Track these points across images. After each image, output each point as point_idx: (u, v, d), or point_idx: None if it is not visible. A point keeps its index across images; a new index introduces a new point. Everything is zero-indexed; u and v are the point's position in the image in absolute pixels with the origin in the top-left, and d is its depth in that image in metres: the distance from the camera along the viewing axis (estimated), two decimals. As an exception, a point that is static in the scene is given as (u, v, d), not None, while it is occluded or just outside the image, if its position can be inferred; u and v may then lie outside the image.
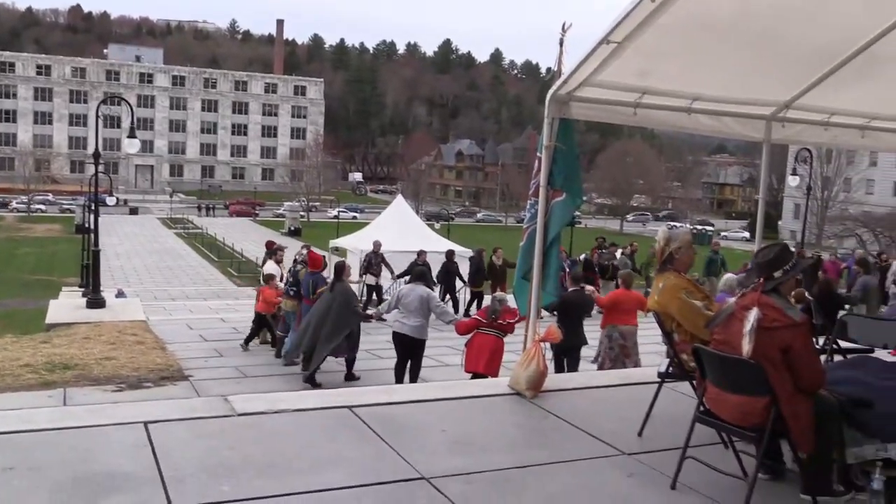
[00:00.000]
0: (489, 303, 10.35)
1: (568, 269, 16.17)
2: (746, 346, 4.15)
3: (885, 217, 56.47)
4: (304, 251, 13.90)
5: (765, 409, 4.17)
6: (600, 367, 10.61)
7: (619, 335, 10.63)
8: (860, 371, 4.84)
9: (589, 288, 11.65)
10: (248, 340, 13.93)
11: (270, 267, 14.30)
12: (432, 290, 12.10)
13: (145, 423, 5.18)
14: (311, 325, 11.26)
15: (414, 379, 10.81)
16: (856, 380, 4.64)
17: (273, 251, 15.01)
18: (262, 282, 14.51)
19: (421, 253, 19.76)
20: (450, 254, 20.89)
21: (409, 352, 10.82)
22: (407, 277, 14.85)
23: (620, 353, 10.57)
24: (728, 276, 10.58)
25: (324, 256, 13.40)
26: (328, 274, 12.68)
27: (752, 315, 4.17)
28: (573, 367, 10.59)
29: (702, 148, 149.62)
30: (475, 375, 9.44)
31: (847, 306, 13.42)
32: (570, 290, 10.85)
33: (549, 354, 9.40)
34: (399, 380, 10.76)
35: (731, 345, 4.30)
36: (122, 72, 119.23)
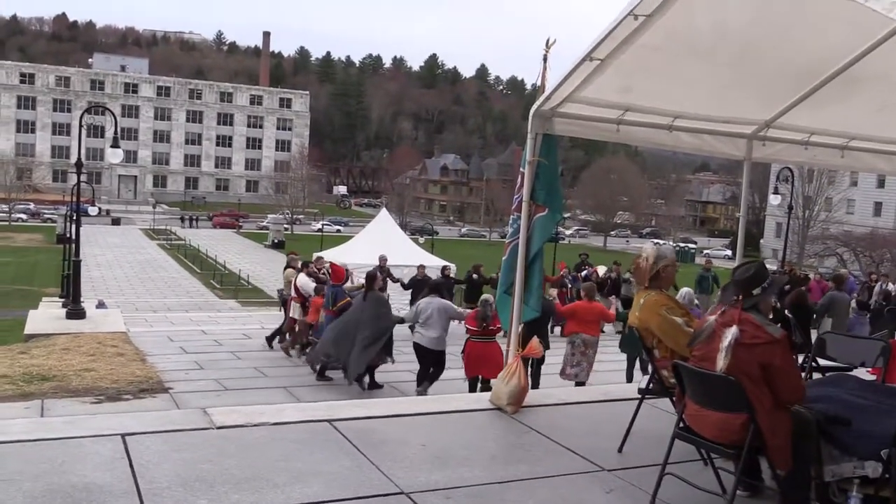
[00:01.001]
0: (479, 308, 10.67)
1: (570, 285, 16.25)
2: (721, 363, 4.18)
3: (865, 237, 57.03)
4: (327, 264, 14.44)
5: (743, 425, 4.19)
6: (562, 373, 11.31)
7: (581, 342, 11.41)
8: (838, 389, 4.88)
9: (552, 292, 12.12)
10: (298, 346, 14.26)
11: (305, 280, 14.30)
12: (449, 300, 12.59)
13: (123, 436, 5.13)
14: (343, 333, 11.47)
15: (430, 383, 11.38)
16: (833, 398, 4.67)
17: (305, 264, 15.03)
18: (291, 293, 14.62)
19: (420, 267, 20.10)
20: (445, 269, 21.02)
21: (430, 362, 11.37)
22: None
23: (582, 358, 11.32)
24: (684, 289, 10.93)
25: (345, 268, 13.77)
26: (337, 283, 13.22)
27: (731, 333, 4.20)
28: (537, 374, 11.06)
29: (685, 166, 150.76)
30: (475, 380, 10.26)
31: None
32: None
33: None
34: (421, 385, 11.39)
35: (712, 361, 4.32)
36: (106, 81, 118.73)
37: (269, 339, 15.40)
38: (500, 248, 7.60)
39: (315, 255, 15.98)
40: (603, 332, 15.91)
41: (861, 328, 14.18)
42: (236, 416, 5.79)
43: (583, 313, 11.59)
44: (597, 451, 5.57)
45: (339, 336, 11.53)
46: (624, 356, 12.60)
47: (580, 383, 11.32)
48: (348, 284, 13.68)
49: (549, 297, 11.75)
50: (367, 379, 11.70)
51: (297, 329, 14.60)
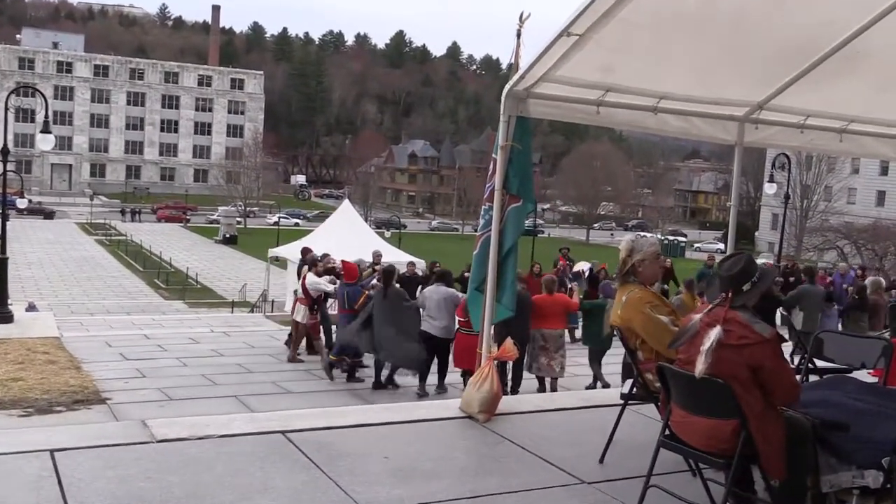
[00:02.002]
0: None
1: (570, 283, 16.35)
2: (700, 366, 4.19)
3: (868, 228, 57.83)
4: (339, 262, 14.54)
5: (734, 432, 4.21)
6: (528, 368, 12.13)
7: (541, 337, 12.07)
8: (836, 392, 4.91)
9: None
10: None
11: (315, 280, 14.17)
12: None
13: (51, 452, 5.05)
14: (370, 329, 12.06)
15: (442, 377, 12.19)
16: (831, 401, 4.71)
17: (313, 261, 14.84)
18: (297, 294, 14.70)
19: (410, 264, 20.33)
20: (432, 265, 21.18)
21: (436, 350, 12.07)
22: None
23: (542, 354, 12.04)
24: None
25: (358, 265, 13.80)
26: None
27: (713, 334, 4.21)
28: (519, 368, 11.83)
29: (674, 152, 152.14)
30: (466, 373, 10.90)
31: (781, 309, 14.08)
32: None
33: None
34: (423, 374, 12.10)
35: (696, 364, 4.34)
36: (36, 59, 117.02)
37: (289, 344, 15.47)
38: (472, 241, 7.60)
39: (321, 252, 16.10)
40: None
41: (829, 322, 14.52)
42: (179, 428, 5.72)
43: (543, 307, 12.12)
44: (576, 462, 5.58)
45: (361, 329, 12.22)
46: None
47: (540, 378, 12.22)
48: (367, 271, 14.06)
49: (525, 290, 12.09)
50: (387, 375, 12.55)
51: (301, 332, 14.60)
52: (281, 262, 36.45)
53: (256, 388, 12.33)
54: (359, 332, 12.26)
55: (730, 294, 4.39)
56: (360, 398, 11.79)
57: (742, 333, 4.24)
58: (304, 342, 14.90)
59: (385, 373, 12.62)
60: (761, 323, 4.33)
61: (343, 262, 14.02)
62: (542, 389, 12.18)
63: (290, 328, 15.63)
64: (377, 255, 17.78)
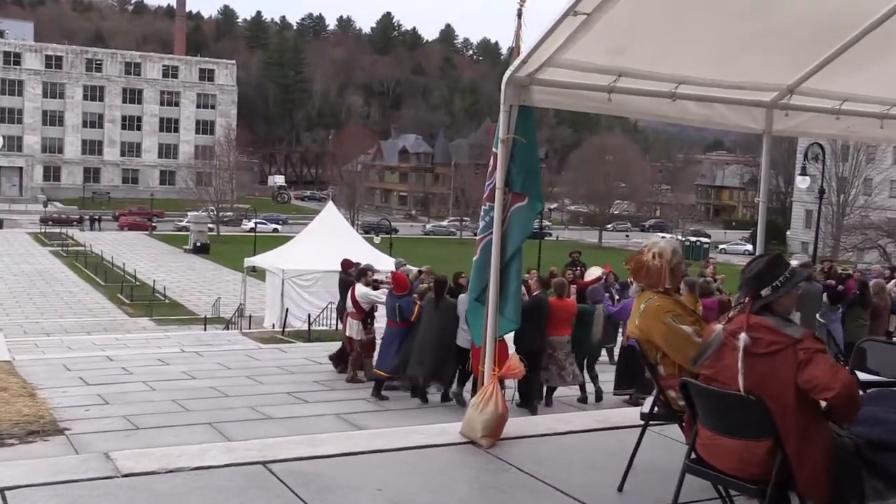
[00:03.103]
0: None
1: (617, 296, 16.34)
2: (742, 381, 4.17)
3: (912, 225, 57.91)
4: (386, 275, 15.07)
5: (768, 454, 4.19)
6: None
7: (547, 345, 12.43)
8: (882, 408, 4.89)
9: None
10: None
11: (365, 291, 14.31)
12: None
13: (2, 490, 5.03)
14: (429, 350, 12.60)
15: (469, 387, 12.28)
16: (876, 419, 4.68)
17: (362, 272, 14.94)
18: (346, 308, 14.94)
19: (426, 273, 20.45)
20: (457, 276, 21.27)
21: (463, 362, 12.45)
22: None
23: (549, 362, 12.45)
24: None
25: (406, 275, 14.17)
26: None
27: (741, 343, 4.20)
28: (537, 377, 12.24)
29: (695, 144, 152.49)
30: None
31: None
32: (536, 292, 12.59)
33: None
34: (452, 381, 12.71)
35: (721, 380, 4.32)
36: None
37: (335, 360, 15.71)
38: (472, 246, 7.59)
39: (362, 263, 16.45)
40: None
41: (833, 327, 14.64)
42: (147, 460, 5.70)
43: (554, 312, 12.47)
44: (592, 491, 5.55)
45: (420, 348, 12.79)
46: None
47: (551, 389, 12.74)
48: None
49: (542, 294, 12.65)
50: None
51: (355, 350, 14.73)
52: (258, 273, 36.50)
53: (233, 413, 12.29)
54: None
55: (751, 298, 4.38)
56: (350, 423, 11.76)
57: (772, 339, 4.22)
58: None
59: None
60: (792, 325, 4.30)
61: (392, 272, 14.50)
62: (548, 401, 12.70)
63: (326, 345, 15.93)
64: (400, 264, 17.82)
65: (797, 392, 4.20)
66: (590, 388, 13.33)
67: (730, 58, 6.83)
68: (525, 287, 13.27)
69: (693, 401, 4.55)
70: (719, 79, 7.06)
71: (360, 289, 14.50)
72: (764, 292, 4.35)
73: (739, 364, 4.18)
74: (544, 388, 12.77)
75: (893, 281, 18.25)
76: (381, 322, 14.69)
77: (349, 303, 14.67)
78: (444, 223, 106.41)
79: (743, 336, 4.20)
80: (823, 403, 4.24)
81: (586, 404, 12.97)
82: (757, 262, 4.52)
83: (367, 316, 14.56)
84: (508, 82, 6.43)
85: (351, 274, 15.64)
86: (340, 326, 16.73)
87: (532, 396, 12.28)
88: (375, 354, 14.49)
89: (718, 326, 4.49)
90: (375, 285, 14.93)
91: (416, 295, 13.61)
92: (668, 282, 5.62)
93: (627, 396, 12.84)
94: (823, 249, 57.07)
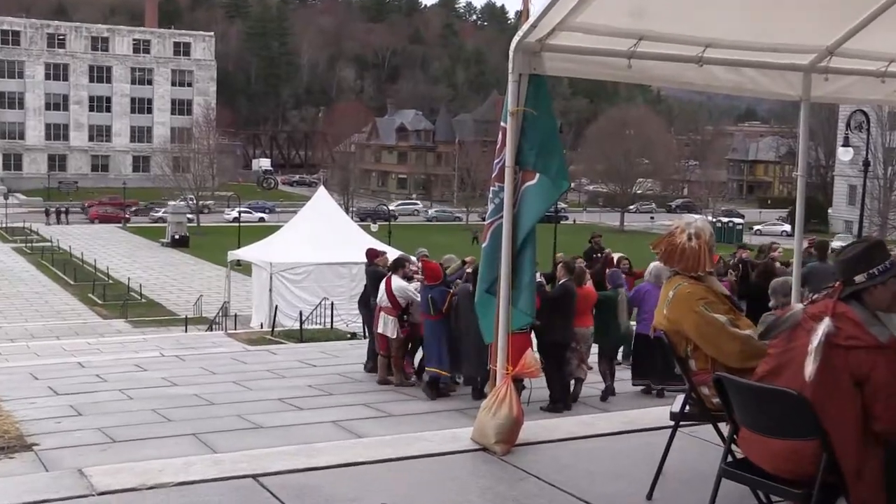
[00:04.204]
0: None
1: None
2: (810, 367, 4.15)
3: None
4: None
5: (815, 455, 4.19)
6: None
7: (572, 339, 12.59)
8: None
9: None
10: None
11: (403, 285, 14.39)
12: None
13: (-33, 512, 5.05)
14: (466, 343, 12.84)
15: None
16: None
17: (399, 263, 14.98)
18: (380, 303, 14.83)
19: (467, 262, 20.54)
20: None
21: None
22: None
23: (572, 356, 12.60)
24: (654, 264, 12.26)
25: (441, 264, 14.30)
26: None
27: (822, 327, 4.18)
28: (564, 372, 12.53)
29: (724, 114, 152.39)
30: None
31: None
32: (562, 280, 12.72)
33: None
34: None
35: (792, 367, 4.29)
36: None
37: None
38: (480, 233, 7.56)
39: (399, 254, 16.61)
40: None
41: None
42: (125, 476, 5.71)
43: (577, 302, 12.61)
44: (619, 500, 5.57)
45: (462, 346, 13.09)
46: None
47: (579, 380, 12.93)
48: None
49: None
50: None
51: (393, 350, 14.72)
52: (244, 268, 36.52)
53: (219, 423, 12.30)
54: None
55: (842, 283, 4.37)
56: (349, 431, 11.77)
57: (852, 333, 4.21)
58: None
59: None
60: (880, 325, 4.27)
61: (423, 261, 14.61)
62: (576, 394, 12.90)
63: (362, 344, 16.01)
64: (422, 255, 17.84)
65: (860, 396, 4.19)
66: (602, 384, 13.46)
67: (762, 16, 6.81)
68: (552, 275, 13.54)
69: (729, 398, 4.54)
70: (751, 40, 7.04)
71: (398, 281, 14.47)
72: (858, 278, 4.33)
73: (812, 349, 4.16)
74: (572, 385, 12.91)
75: None
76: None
77: (383, 297, 14.64)
78: (432, 211, 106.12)
79: (827, 321, 4.19)
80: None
81: (614, 395, 13.20)
82: (854, 246, 4.51)
83: (403, 311, 14.56)
84: (517, 49, 6.42)
85: (378, 265, 15.67)
86: (359, 324, 16.69)
87: (558, 397, 12.37)
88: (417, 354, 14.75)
89: (799, 306, 4.50)
90: (410, 279, 14.99)
91: (448, 282, 13.83)
92: (709, 265, 5.62)
93: (643, 387, 13.33)
94: (870, 228, 56.93)
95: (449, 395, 13.69)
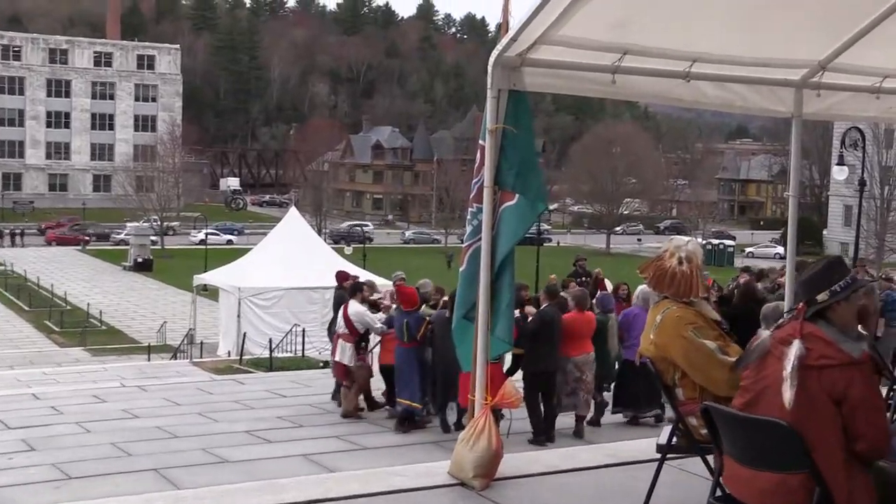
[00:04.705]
0: None
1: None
2: (787, 393, 4.18)
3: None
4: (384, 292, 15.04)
5: (805, 489, 4.20)
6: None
7: (573, 367, 12.24)
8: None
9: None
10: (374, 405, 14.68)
11: (360, 310, 14.28)
12: None
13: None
14: (445, 372, 12.59)
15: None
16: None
17: (357, 287, 14.91)
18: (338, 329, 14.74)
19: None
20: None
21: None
22: None
23: (578, 387, 12.28)
24: (642, 287, 12.01)
25: (417, 289, 14.09)
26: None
27: (793, 351, 4.22)
28: (550, 404, 12.17)
29: (715, 131, 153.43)
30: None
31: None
32: (543, 306, 12.40)
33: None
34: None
35: (768, 396, 4.31)
36: None
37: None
38: (458, 255, 7.57)
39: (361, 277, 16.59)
40: None
41: None
42: (81, 514, 5.67)
43: (575, 327, 12.29)
44: (603, 538, 5.55)
45: (441, 375, 12.88)
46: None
47: (580, 417, 12.50)
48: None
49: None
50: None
51: (361, 379, 14.61)
52: (211, 293, 36.34)
53: (183, 457, 12.23)
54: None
55: (804, 304, 4.40)
56: (320, 465, 11.73)
57: (824, 352, 4.24)
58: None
59: (453, 415, 13.05)
60: (850, 342, 4.32)
61: (398, 286, 14.49)
62: (579, 431, 12.49)
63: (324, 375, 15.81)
64: (399, 278, 17.84)
65: (840, 417, 4.22)
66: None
67: (751, 30, 6.86)
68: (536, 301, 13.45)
69: (717, 428, 4.55)
70: (740, 55, 7.09)
71: (355, 306, 14.41)
72: (820, 297, 4.38)
73: (787, 375, 4.19)
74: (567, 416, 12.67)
75: None
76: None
77: (340, 323, 14.61)
78: (409, 233, 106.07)
79: (797, 344, 4.22)
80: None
81: (599, 426, 13.00)
82: (813, 265, 4.58)
83: (361, 339, 14.47)
84: (496, 64, 6.45)
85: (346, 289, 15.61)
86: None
87: (541, 429, 12.13)
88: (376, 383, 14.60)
89: (765, 332, 4.52)
90: (376, 305, 14.93)
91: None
92: (701, 290, 5.64)
93: (628, 417, 13.18)
94: (866, 250, 57.28)
95: (424, 427, 13.52)
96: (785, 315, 4.71)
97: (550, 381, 12.10)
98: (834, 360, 4.23)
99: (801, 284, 4.52)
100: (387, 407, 14.56)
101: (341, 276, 16.64)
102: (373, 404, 14.86)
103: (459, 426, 12.73)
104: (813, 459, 4.16)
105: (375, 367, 14.92)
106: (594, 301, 14.21)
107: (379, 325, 14.34)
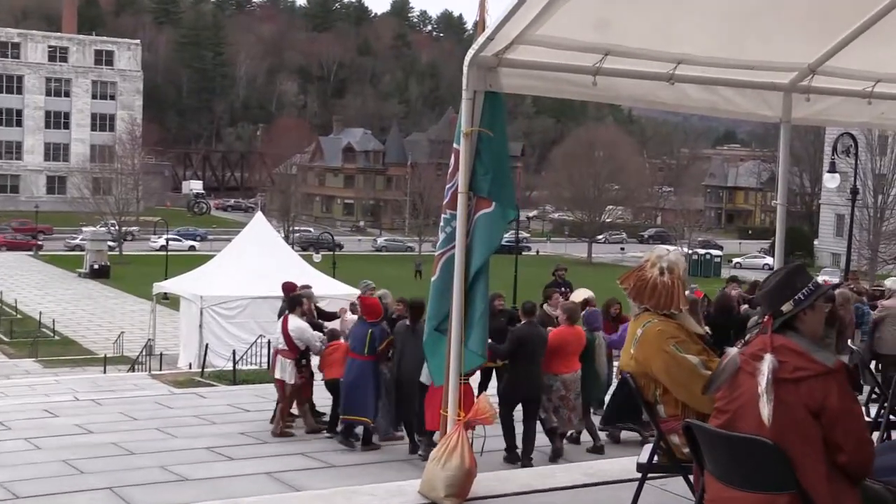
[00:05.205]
0: None
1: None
2: (765, 409, 4.20)
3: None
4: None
5: (791, 510, 4.23)
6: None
7: (560, 385, 12.08)
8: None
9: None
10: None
11: (300, 325, 14.15)
12: None
13: None
14: (407, 385, 12.61)
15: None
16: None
17: (296, 301, 14.73)
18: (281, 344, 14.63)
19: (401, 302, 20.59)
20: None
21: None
22: None
23: (562, 405, 12.12)
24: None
25: (380, 299, 14.10)
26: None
27: (766, 365, 4.24)
28: (531, 428, 11.90)
29: (701, 136, 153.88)
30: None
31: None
32: (522, 322, 12.28)
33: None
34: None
35: (743, 416, 4.34)
36: None
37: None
38: (432, 265, 7.58)
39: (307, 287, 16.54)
40: None
41: None
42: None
43: (564, 343, 12.12)
44: (580, 561, 5.57)
45: (403, 389, 12.83)
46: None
47: (561, 434, 12.40)
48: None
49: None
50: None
51: (286, 396, 14.50)
52: (171, 301, 36.21)
53: (140, 475, 12.17)
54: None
55: (770, 317, 4.43)
56: (284, 483, 11.71)
57: (798, 364, 4.27)
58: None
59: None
60: (823, 350, 4.36)
61: (361, 297, 14.36)
62: (557, 451, 12.25)
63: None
64: (367, 287, 17.70)
65: (820, 430, 4.25)
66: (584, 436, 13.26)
67: (738, 31, 6.91)
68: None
69: (699, 447, 4.57)
70: (726, 57, 7.14)
71: (295, 321, 14.32)
72: (785, 307, 4.41)
73: (762, 390, 4.21)
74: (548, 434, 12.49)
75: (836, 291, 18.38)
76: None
77: (279, 338, 14.55)
78: (381, 240, 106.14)
79: (769, 358, 4.24)
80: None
81: (603, 454, 12.68)
82: (774, 275, 4.60)
83: (301, 355, 14.38)
84: (472, 63, 6.47)
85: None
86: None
87: (525, 451, 11.92)
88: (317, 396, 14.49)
89: (733, 350, 4.54)
90: (314, 320, 14.85)
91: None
92: (683, 302, 5.66)
93: (612, 432, 13.09)
94: (859, 261, 57.59)
95: (380, 446, 13.38)
96: (749, 330, 4.74)
97: (531, 407, 11.94)
98: (809, 371, 4.26)
99: (763, 296, 4.55)
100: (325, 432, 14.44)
101: (287, 287, 16.31)
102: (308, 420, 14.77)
103: (415, 448, 12.79)
104: (800, 478, 4.19)
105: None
106: (582, 317, 14.07)
107: (319, 343, 14.20)
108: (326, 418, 14.60)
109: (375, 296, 14.64)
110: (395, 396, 13.19)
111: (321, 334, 14.65)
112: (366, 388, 13.11)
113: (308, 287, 16.21)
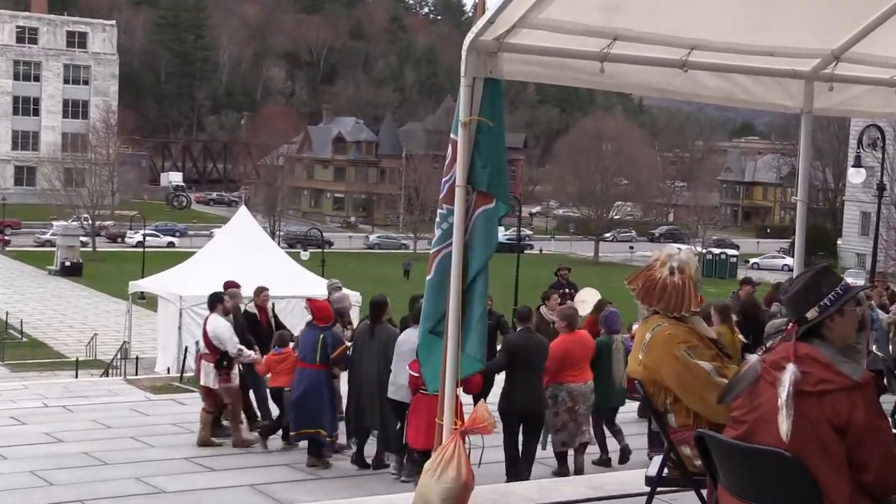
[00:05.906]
0: None
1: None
2: (784, 424, 4.19)
3: None
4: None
5: (809, 527, 4.23)
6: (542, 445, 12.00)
7: (566, 396, 11.86)
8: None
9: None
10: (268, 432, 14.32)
11: (221, 324, 14.03)
12: None
13: None
14: (365, 392, 12.49)
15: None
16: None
17: (216, 298, 14.53)
18: (203, 348, 14.52)
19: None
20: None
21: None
22: None
23: (570, 419, 11.88)
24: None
25: (329, 303, 14.00)
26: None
27: (788, 376, 4.22)
28: (532, 444, 11.69)
29: (717, 128, 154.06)
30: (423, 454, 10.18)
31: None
32: (517, 329, 12.20)
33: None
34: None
35: (761, 428, 4.34)
36: None
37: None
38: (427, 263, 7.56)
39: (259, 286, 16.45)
40: None
41: None
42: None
43: (567, 351, 11.92)
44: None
45: (359, 398, 12.62)
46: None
47: (584, 445, 12.17)
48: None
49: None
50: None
51: (229, 404, 14.34)
52: (149, 301, 36.17)
53: (113, 487, 12.19)
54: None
55: (794, 322, 4.42)
56: (268, 496, 11.73)
57: (822, 376, 4.25)
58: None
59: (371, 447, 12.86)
60: (850, 362, 4.33)
61: (310, 300, 14.12)
62: (563, 470, 12.05)
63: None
64: (334, 287, 17.63)
65: (845, 447, 4.24)
66: (612, 444, 13.08)
67: (757, 15, 6.91)
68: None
69: (713, 459, 4.57)
70: (743, 43, 7.13)
71: (215, 321, 14.07)
72: (810, 314, 4.38)
73: (782, 403, 4.20)
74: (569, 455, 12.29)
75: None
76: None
77: (201, 341, 14.40)
78: (373, 237, 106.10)
79: (791, 368, 4.22)
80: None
81: (610, 467, 12.52)
82: (798, 279, 4.58)
83: (223, 357, 14.01)
84: (471, 48, 6.45)
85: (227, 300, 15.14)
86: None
87: (522, 467, 11.62)
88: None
89: (754, 357, 4.52)
90: (243, 322, 14.73)
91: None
92: (694, 304, 5.66)
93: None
94: (885, 262, 57.50)
95: (330, 464, 13.12)
96: (772, 336, 4.72)
97: (532, 421, 11.64)
98: (834, 384, 4.23)
99: (787, 302, 4.52)
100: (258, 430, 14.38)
101: (227, 285, 16.04)
102: (253, 418, 14.71)
103: (379, 463, 12.69)
104: (822, 495, 4.18)
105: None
106: (600, 319, 13.84)
107: (234, 346, 13.94)
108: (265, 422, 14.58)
109: (336, 296, 14.55)
110: (350, 406, 12.97)
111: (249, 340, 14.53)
112: (319, 399, 12.81)
113: (236, 286, 15.82)
